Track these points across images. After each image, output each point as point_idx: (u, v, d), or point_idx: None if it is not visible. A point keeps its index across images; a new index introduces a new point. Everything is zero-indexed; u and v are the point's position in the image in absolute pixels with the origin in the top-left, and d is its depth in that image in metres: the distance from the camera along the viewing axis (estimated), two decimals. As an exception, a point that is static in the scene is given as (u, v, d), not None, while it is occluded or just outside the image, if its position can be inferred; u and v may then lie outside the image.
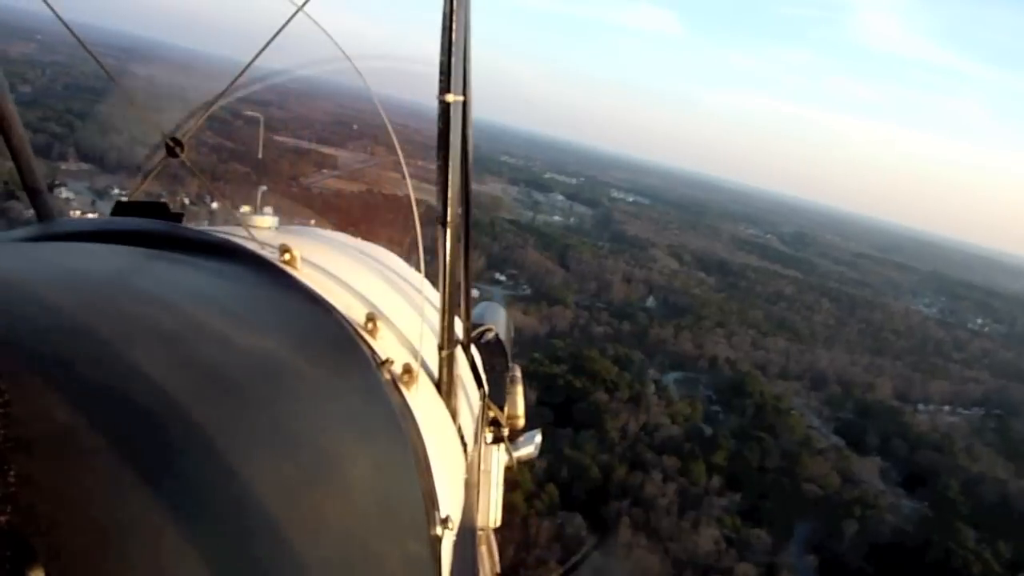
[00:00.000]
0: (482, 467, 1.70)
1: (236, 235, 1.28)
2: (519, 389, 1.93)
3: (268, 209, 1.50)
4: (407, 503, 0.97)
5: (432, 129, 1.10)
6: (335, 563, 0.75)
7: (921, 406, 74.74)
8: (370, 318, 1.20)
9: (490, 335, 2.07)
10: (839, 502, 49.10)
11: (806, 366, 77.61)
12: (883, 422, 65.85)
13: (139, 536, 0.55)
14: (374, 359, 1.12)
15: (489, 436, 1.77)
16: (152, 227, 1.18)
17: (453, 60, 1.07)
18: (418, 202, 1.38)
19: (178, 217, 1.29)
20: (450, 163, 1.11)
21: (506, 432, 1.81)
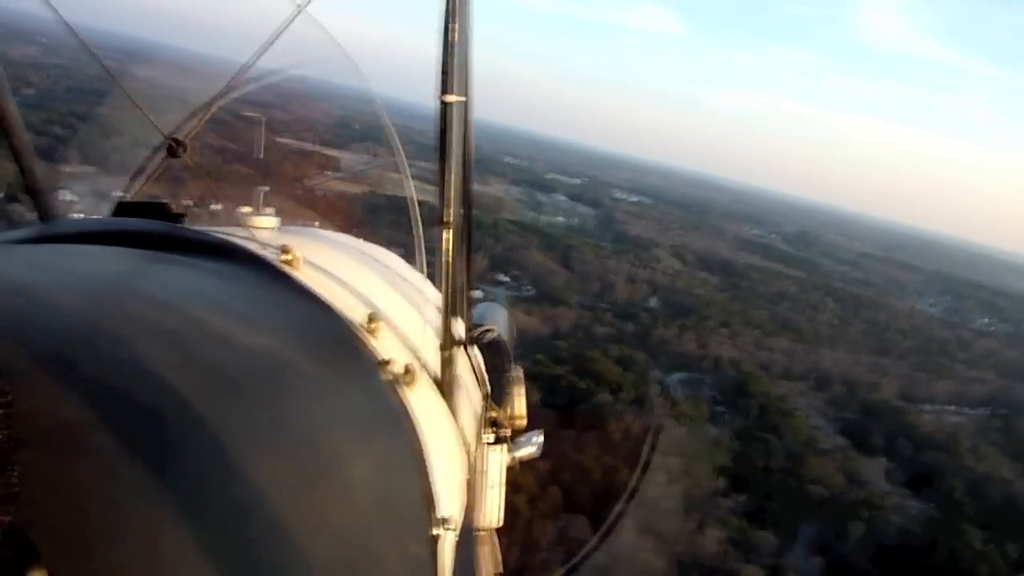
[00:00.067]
0: (483, 468, 1.70)
1: (237, 235, 1.28)
2: (520, 389, 1.91)
3: (269, 210, 1.50)
4: (407, 503, 0.96)
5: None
6: (335, 562, 0.75)
7: (926, 406, 74.37)
8: (371, 318, 1.19)
9: (491, 335, 2.07)
10: (844, 503, 48.90)
11: (810, 366, 77.32)
12: (888, 422, 65.55)
13: (141, 534, 0.55)
14: (375, 359, 1.12)
15: (490, 436, 1.76)
16: (153, 227, 1.18)
17: (452, 60, 1.06)
18: (420, 203, 1.38)
19: (179, 217, 1.29)
20: (451, 164, 1.10)
21: (507, 432, 1.81)
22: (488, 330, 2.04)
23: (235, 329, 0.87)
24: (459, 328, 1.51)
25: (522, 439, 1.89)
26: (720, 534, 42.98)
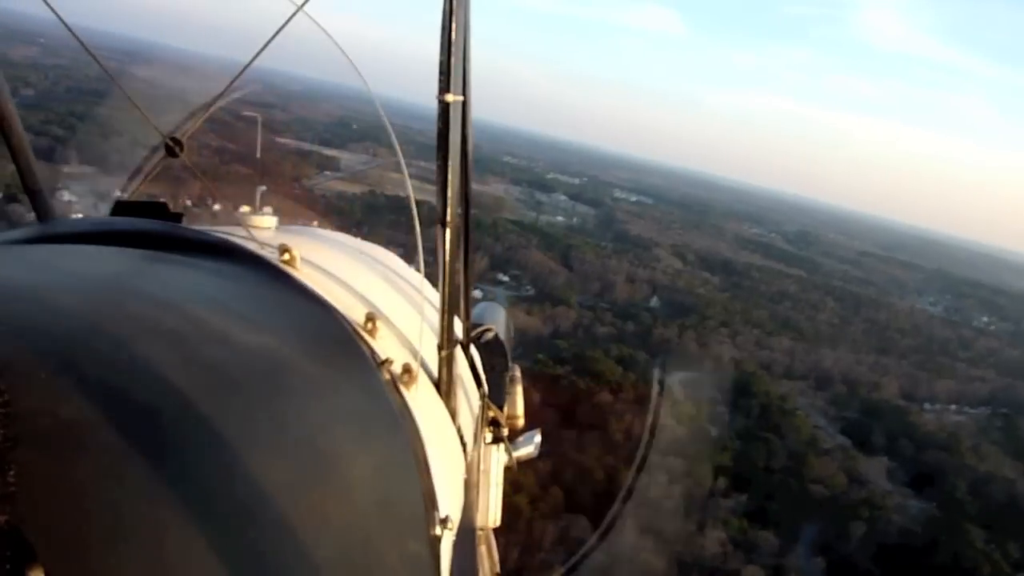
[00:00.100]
0: (482, 467, 1.70)
1: (236, 235, 1.28)
2: (519, 389, 1.93)
3: (267, 209, 1.50)
4: (407, 503, 0.96)
5: (433, 130, 1.09)
6: (335, 562, 0.75)
7: (927, 405, 74.36)
8: (370, 318, 1.19)
9: (490, 335, 2.07)
10: (846, 503, 48.89)
11: (811, 365, 77.35)
12: (889, 422, 65.55)
13: (140, 534, 0.55)
14: (374, 359, 1.11)
15: (489, 436, 1.77)
16: (151, 227, 1.17)
17: (452, 60, 1.06)
18: (419, 202, 1.38)
19: (177, 217, 1.29)
20: (450, 163, 1.10)
21: (506, 432, 1.81)
22: (487, 330, 2.05)
23: (234, 328, 0.87)
24: (458, 328, 1.51)
25: (521, 439, 1.89)
26: (721, 534, 42.98)
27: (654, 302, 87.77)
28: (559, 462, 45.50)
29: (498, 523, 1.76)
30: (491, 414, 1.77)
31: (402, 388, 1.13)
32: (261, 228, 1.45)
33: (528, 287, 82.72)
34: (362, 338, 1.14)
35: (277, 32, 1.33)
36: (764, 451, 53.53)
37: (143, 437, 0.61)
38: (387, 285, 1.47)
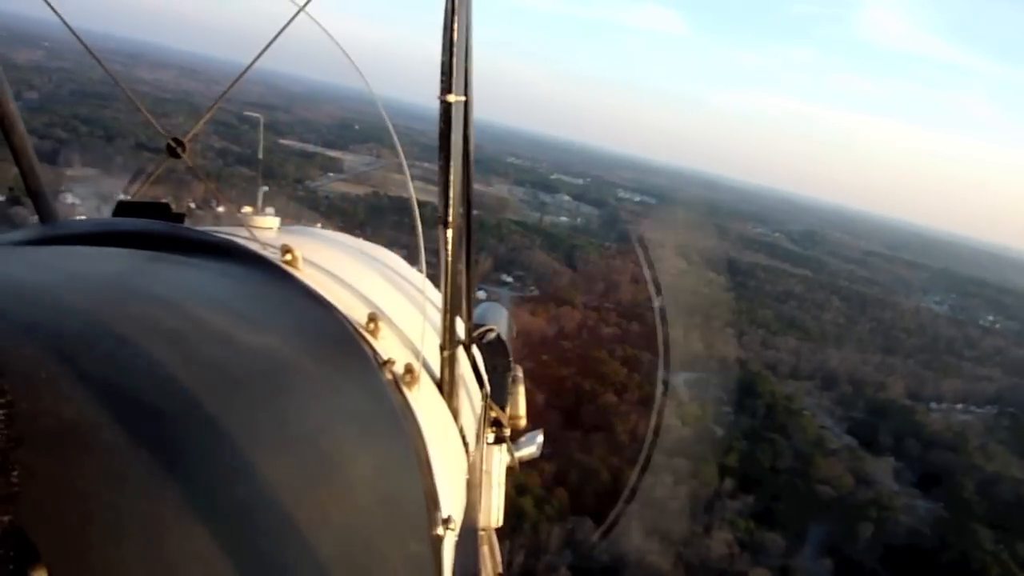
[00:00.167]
0: (484, 467, 1.70)
1: (238, 235, 1.28)
2: (521, 389, 1.93)
3: (270, 210, 1.50)
4: (409, 503, 0.97)
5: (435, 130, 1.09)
6: (337, 562, 0.75)
7: (934, 404, 73.94)
8: (372, 318, 1.19)
9: (492, 335, 2.07)
10: (853, 503, 48.62)
11: (817, 365, 77.03)
12: (896, 421, 65.19)
13: (143, 534, 0.55)
14: (376, 359, 1.11)
15: (491, 436, 1.77)
16: (153, 227, 1.18)
17: (454, 60, 1.06)
18: (421, 203, 1.38)
19: (179, 217, 1.29)
20: (452, 163, 1.10)
21: (508, 432, 1.81)
22: (489, 330, 2.05)
23: (236, 328, 0.87)
24: (460, 328, 1.50)
25: (523, 439, 1.89)
26: (728, 536, 42.80)
27: (659, 302, 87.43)
28: (564, 464, 45.43)
29: (500, 523, 1.76)
30: (493, 414, 1.77)
31: (404, 388, 1.13)
32: (263, 228, 1.45)
33: (532, 288, 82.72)
34: (364, 338, 1.14)
35: (279, 33, 1.33)
36: (770, 452, 53.31)
37: (146, 437, 0.61)
38: (389, 285, 1.47)
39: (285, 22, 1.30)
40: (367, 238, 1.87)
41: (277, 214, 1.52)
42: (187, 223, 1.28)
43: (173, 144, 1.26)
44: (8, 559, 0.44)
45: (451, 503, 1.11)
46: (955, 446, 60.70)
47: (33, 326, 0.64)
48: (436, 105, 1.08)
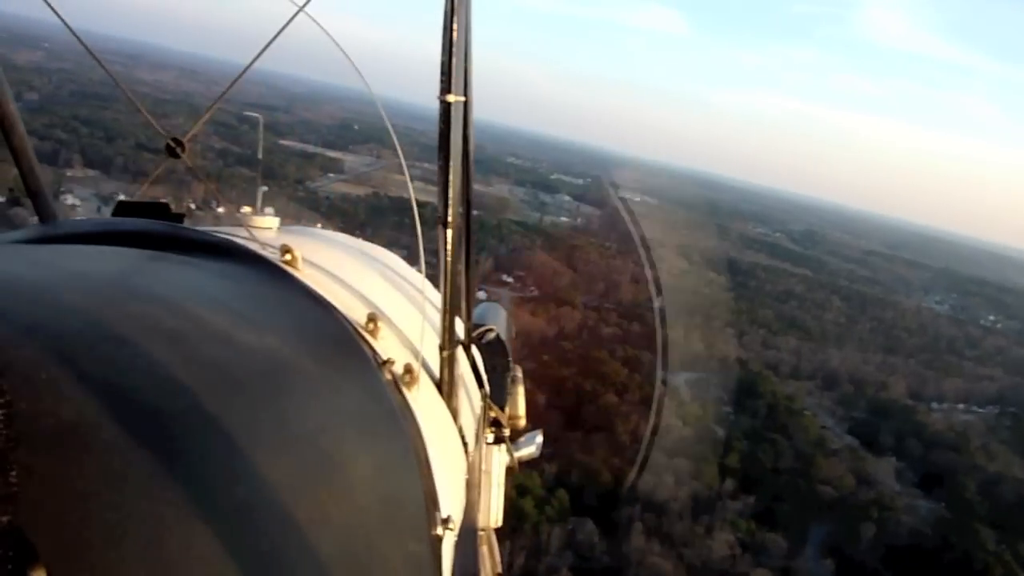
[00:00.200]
0: (483, 467, 1.70)
1: (237, 235, 1.28)
2: (520, 389, 1.94)
3: (269, 210, 1.50)
4: (408, 503, 0.96)
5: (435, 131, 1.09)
6: (337, 561, 0.75)
7: (935, 404, 73.86)
8: (371, 318, 1.19)
9: (491, 335, 2.08)
10: (855, 504, 48.55)
11: (818, 365, 76.99)
12: (897, 421, 65.12)
13: (142, 534, 0.54)
14: (375, 359, 1.11)
15: (490, 436, 1.77)
16: (153, 227, 1.17)
17: (454, 60, 1.06)
18: (422, 203, 1.38)
19: (179, 217, 1.29)
20: (451, 163, 1.10)
21: (507, 432, 1.81)
22: (488, 330, 2.05)
23: (236, 328, 0.87)
24: (459, 328, 1.50)
25: (522, 439, 1.90)
26: (729, 536, 42.72)
27: (659, 302, 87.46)
28: (565, 464, 45.38)
29: (500, 523, 1.76)
30: (493, 414, 1.77)
31: (404, 388, 1.13)
32: (263, 228, 1.45)
33: (532, 288, 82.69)
34: (364, 338, 1.14)
35: (278, 33, 1.33)
36: (771, 452, 53.24)
37: (145, 437, 0.61)
38: (389, 285, 1.47)
39: (285, 23, 1.30)
40: (367, 238, 1.87)
41: (278, 215, 1.52)
42: (187, 223, 1.28)
43: (172, 144, 1.26)
44: (7, 559, 0.44)
45: (450, 503, 1.11)
46: (957, 446, 60.61)
47: (33, 326, 0.64)
48: (436, 105, 1.08)
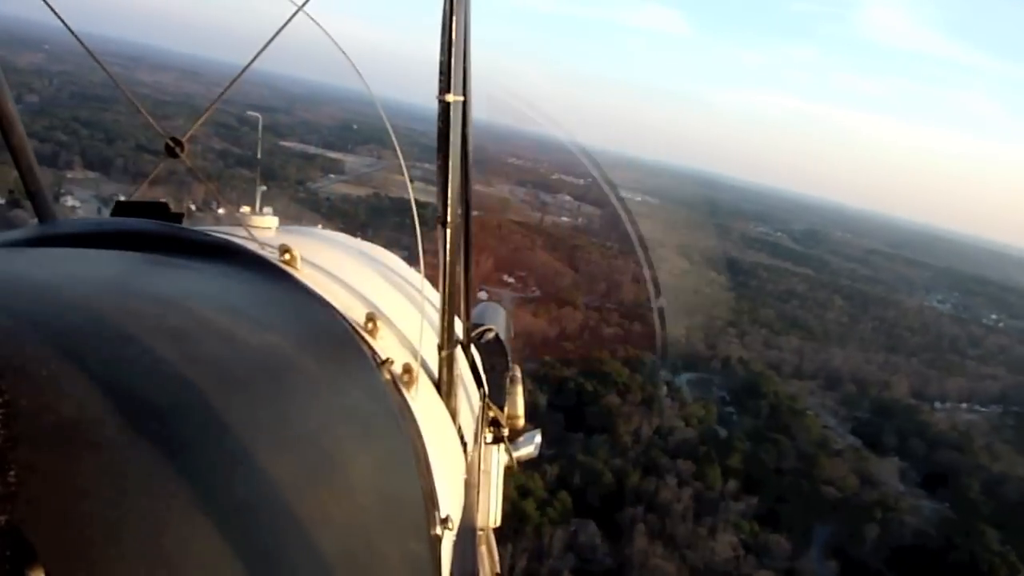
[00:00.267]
0: (482, 467, 1.70)
1: (236, 235, 1.28)
2: (519, 389, 1.94)
3: (268, 209, 1.50)
4: (408, 502, 0.97)
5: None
6: (336, 561, 0.75)
7: (938, 404, 73.69)
8: (370, 318, 1.19)
9: (490, 335, 2.08)
10: (858, 504, 48.39)
11: (820, 365, 76.84)
12: (900, 421, 64.96)
13: (142, 533, 0.54)
14: (374, 359, 1.11)
15: (489, 436, 1.77)
16: (151, 227, 1.17)
17: (452, 60, 1.06)
18: (421, 203, 1.38)
19: (178, 217, 1.29)
20: (450, 163, 1.10)
21: (506, 432, 1.81)
22: (487, 330, 2.05)
23: (235, 328, 0.86)
24: (458, 328, 1.50)
25: (521, 439, 1.90)
26: (732, 538, 42.58)
27: (661, 302, 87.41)
28: (567, 465, 45.30)
29: (498, 523, 1.76)
30: (491, 414, 1.77)
31: (402, 388, 1.13)
32: (262, 228, 1.45)
33: (534, 288, 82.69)
34: (362, 338, 1.14)
35: (277, 33, 1.33)
36: (774, 452, 53.10)
37: (145, 436, 0.61)
38: (388, 285, 1.46)
39: (284, 23, 1.30)
40: (367, 239, 1.87)
41: (279, 216, 1.52)
42: (186, 224, 1.28)
43: (171, 144, 1.26)
44: (6, 559, 0.44)
45: (449, 503, 1.11)
46: (960, 446, 60.43)
47: (32, 324, 0.64)
48: (435, 105, 1.08)
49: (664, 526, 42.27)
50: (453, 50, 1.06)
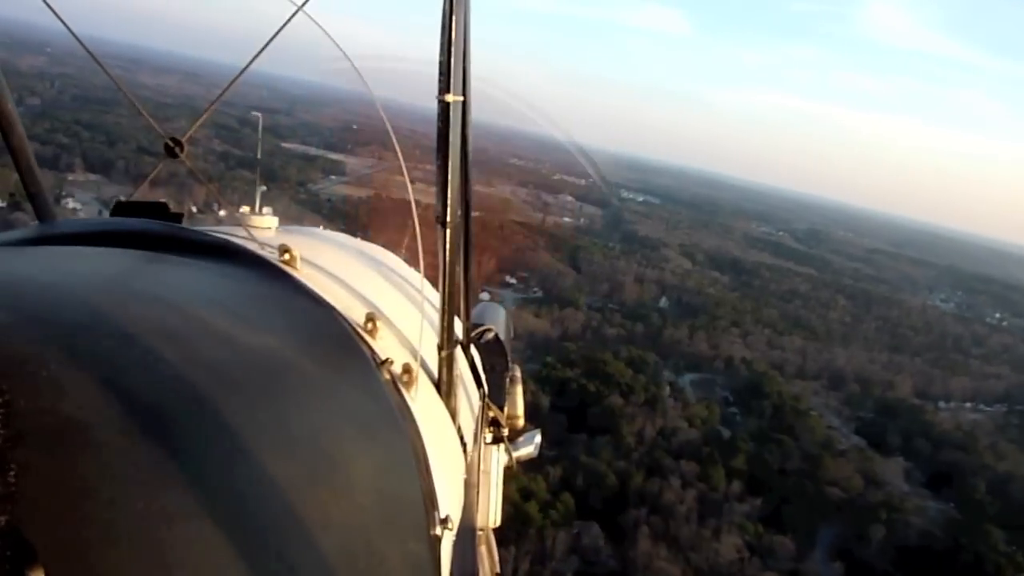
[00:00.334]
0: (482, 467, 1.69)
1: (236, 235, 1.28)
2: (519, 389, 1.94)
3: (267, 209, 1.50)
4: (407, 503, 0.97)
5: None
6: (336, 562, 0.75)
7: (942, 403, 73.45)
8: (370, 318, 1.18)
9: (490, 335, 2.08)
10: (863, 505, 48.18)
11: (823, 365, 76.64)
12: (905, 421, 64.73)
13: (141, 534, 0.54)
14: (374, 359, 1.10)
15: (489, 436, 1.77)
16: (151, 227, 1.17)
17: (452, 60, 1.06)
18: (420, 204, 1.38)
19: (177, 217, 1.29)
20: (450, 163, 1.09)
21: (506, 432, 1.81)
22: (487, 330, 2.05)
23: (234, 328, 0.87)
24: (458, 328, 1.50)
25: (521, 439, 1.90)
26: (736, 540, 42.41)
27: (663, 303, 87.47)
28: (570, 467, 45.19)
29: (498, 523, 1.76)
30: (491, 414, 1.77)
31: (402, 388, 1.13)
32: (261, 228, 1.44)
33: (536, 289, 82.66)
34: (362, 338, 1.13)
35: (276, 33, 1.33)
36: (778, 453, 52.93)
37: (144, 436, 0.61)
38: (387, 285, 1.46)
39: (283, 23, 1.30)
40: (367, 239, 1.87)
41: (280, 217, 1.52)
42: (187, 225, 1.28)
43: (171, 143, 1.26)
44: (6, 559, 0.44)
45: (449, 503, 1.11)
46: (965, 445, 60.16)
47: (31, 325, 0.64)
48: (435, 105, 1.08)
49: (668, 528, 42.13)
50: (453, 50, 1.06)
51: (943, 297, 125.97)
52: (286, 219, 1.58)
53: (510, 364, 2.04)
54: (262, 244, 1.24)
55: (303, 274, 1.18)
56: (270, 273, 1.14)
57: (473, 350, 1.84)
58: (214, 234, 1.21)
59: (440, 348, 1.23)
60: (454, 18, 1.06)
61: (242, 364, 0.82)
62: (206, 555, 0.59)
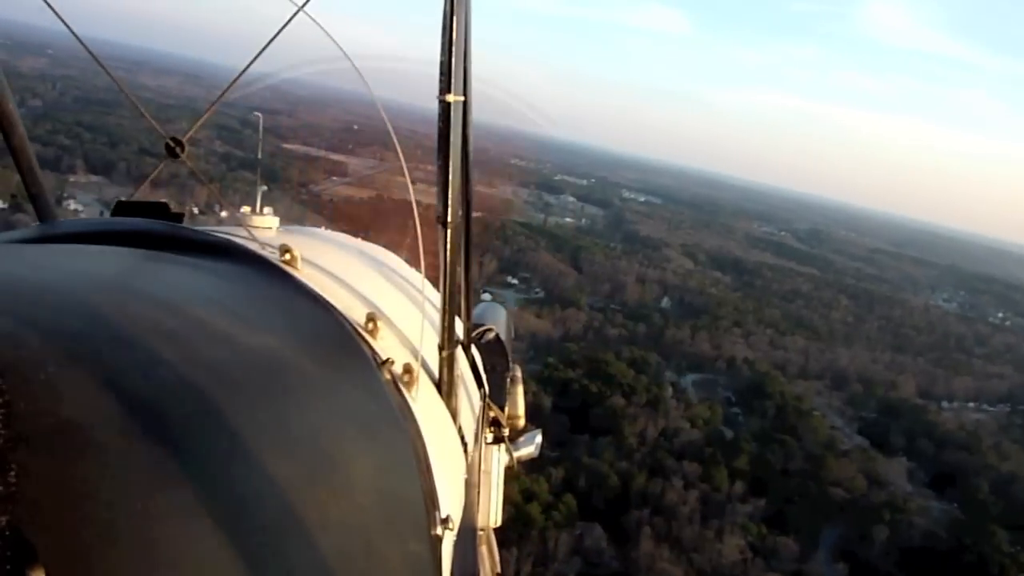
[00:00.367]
0: (482, 467, 1.69)
1: (237, 235, 1.28)
2: (519, 389, 1.94)
3: (268, 210, 1.50)
4: (408, 503, 0.97)
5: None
6: (337, 562, 0.75)
7: (945, 403, 73.29)
8: (371, 318, 1.18)
9: (490, 335, 2.07)
10: (867, 505, 48.06)
11: (826, 365, 76.52)
12: (907, 421, 64.59)
13: (141, 535, 0.55)
14: (375, 359, 1.10)
15: (489, 436, 1.77)
16: (152, 227, 1.17)
17: (453, 60, 1.06)
18: (421, 204, 1.38)
19: (178, 217, 1.29)
20: (451, 163, 1.09)
21: (507, 432, 1.81)
22: (488, 330, 2.05)
23: (235, 328, 0.87)
24: (459, 328, 1.50)
25: (522, 439, 1.89)
26: (740, 541, 42.31)
27: (665, 303, 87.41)
28: (572, 468, 45.13)
29: (499, 523, 1.76)
30: (492, 414, 1.77)
31: (403, 388, 1.13)
32: (262, 228, 1.45)
33: (537, 289, 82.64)
34: (363, 338, 1.13)
35: (277, 33, 1.33)
36: (781, 453, 52.82)
37: (145, 437, 0.61)
38: (388, 285, 1.46)
39: (284, 24, 1.31)
40: (368, 239, 1.87)
41: (282, 218, 1.52)
42: (187, 225, 1.28)
43: (172, 144, 1.26)
44: (6, 560, 0.44)
45: (450, 503, 1.11)
46: (968, 445, 59.98)
47: (31, 325, 0.64)
48: (435, 106, 1.08)
49: (670, 529, 42.07)
50: (454, 50, 1.06)
51: (945, 297, 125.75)
52: (287, 220, 1.58)
53: (511, 364, 2.03)
54: (263, 244, 1.23)
55: (304, 274, 1.18)
56: (271, 273, 1.13)
57: (474, 350, 1.84)
58: (215, 234, 1.21)
59: (441, 348, 1.23)
60: (455, 18, 1.06)
61: (243, 364, 0.82)
62: (206, 555, 0.59)
